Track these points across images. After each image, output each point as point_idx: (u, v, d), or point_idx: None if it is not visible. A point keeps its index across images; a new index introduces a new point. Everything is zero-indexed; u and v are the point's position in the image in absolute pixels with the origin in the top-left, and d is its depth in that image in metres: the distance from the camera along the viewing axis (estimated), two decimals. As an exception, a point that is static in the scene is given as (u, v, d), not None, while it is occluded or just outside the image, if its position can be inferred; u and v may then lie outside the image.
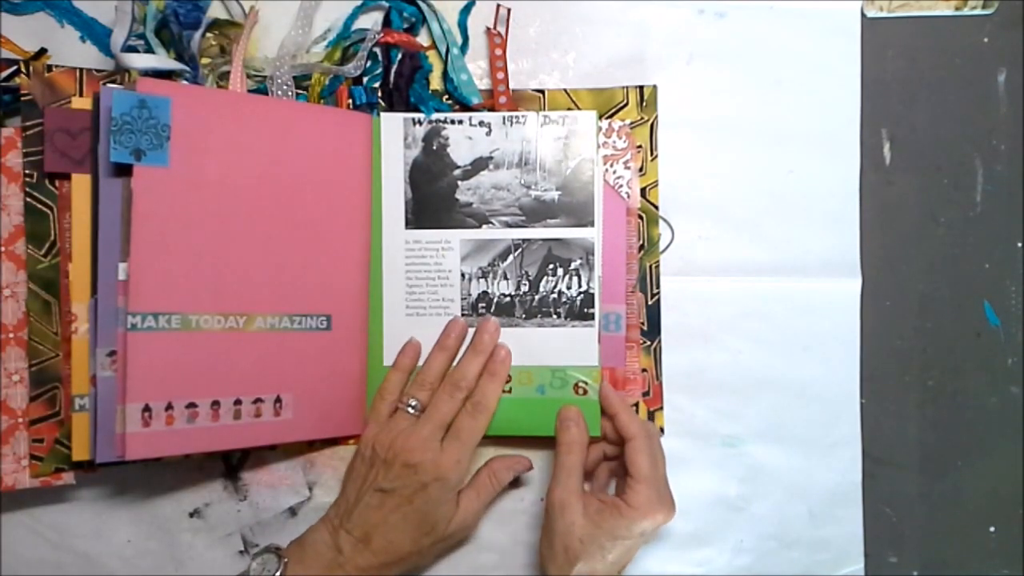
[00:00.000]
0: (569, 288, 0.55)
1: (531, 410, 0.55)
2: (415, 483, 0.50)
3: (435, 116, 0.55)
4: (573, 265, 0.55)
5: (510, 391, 0.55)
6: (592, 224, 0.55)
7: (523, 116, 0.55)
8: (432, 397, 0.53)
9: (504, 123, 0.55)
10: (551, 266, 0.55)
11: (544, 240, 0.55)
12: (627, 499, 0.50)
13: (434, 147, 0.56)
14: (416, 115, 0.55)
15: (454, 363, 0.55)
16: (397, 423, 0.53)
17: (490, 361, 0.54)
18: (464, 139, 0.55)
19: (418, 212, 0.56)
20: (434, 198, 0.56)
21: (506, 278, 0.55)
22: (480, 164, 0.55)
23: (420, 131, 0.55)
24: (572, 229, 0.55)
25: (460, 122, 0.55)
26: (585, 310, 0.55)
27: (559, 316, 0.55)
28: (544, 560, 0.51)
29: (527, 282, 0.55)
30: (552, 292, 0.55)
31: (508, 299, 0.55)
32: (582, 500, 0.50)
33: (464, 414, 0.53)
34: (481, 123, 0.55)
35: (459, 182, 0.55)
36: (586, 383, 0.55)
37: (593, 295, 0.55)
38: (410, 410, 0.53)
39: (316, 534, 0.52)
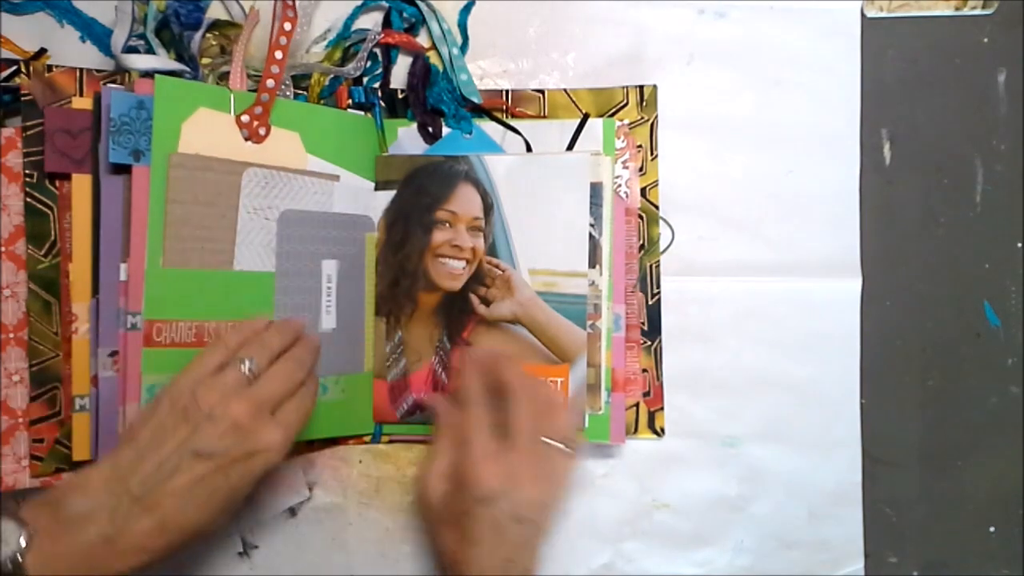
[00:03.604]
0: None
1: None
2: (240, 451, 0.42)
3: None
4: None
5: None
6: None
7: None
8: (271, 368, 0.46)
9: None
10: None
11: None
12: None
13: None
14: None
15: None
16: (226, 379, 0.44)
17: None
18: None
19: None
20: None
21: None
22: None
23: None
24: None
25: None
26: None
27: None
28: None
29: None
30: None
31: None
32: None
33: (297, 397, 0.47)
34: None
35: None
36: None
37: None
38: (245, 370, 0.45)
39: (86, 496, 0.40)
